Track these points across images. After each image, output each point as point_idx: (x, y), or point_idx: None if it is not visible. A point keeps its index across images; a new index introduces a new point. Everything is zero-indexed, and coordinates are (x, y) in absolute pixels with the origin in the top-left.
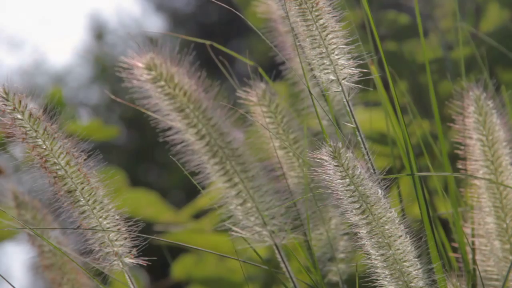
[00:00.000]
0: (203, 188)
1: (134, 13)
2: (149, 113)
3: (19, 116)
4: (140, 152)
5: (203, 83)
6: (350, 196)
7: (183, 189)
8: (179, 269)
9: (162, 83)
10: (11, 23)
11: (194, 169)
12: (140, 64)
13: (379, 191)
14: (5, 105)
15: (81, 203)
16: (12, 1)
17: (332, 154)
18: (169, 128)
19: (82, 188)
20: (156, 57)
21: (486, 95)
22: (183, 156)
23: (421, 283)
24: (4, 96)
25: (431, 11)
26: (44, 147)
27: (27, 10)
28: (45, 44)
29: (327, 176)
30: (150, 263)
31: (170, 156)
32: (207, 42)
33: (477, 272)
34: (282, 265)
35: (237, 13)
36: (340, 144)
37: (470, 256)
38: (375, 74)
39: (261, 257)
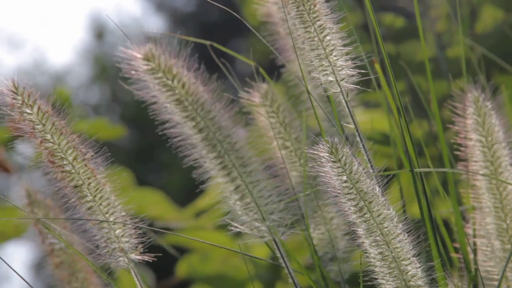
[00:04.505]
0: (204, 185)
1: (134, 13)
2: (148, 106)
3: (28, 111)
4: (140, 152)
5: (202, 76)
6: (348, 193)
7: (183, 189)
8: (184, 267)
9: (160, 74)
10: (11, 23)
11: (193, 164)
12: (138, 55)
13: (377, 188)
14: (14, 99)
15: (87, 199)
16: (12, 1)
17: (329, 150)
18: (168, 121)
19: (89, 184)
20: (154, 48)
21: (484, 96)
22: (182, 150)
23: (420, 282)
24: (14, 90)
25: (426, 13)
26: (52, 142)
27: (27, 10)
28: (45, 44)
29: (325, 173)
30: (155, 261)
31: (172, 154)
32: (207, 42)
33: (478, 272)
34: (281, 260)
35: (236, 15)
36: (337, 140)
37: (471, 256)
38: (379, 73)
39: (271, 249)
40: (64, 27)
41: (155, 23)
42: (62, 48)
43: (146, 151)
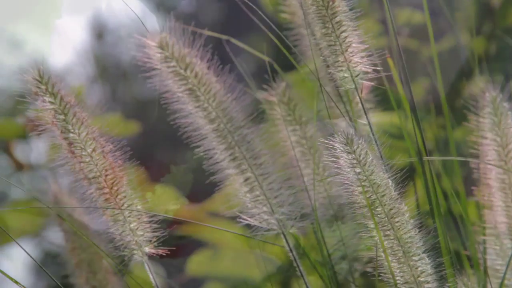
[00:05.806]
0: (212, 177)
1: (134, 13)
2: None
3: (51, 99)
4: (140, 152)
5: (214, 67)
6: (360, 185)
7: (183, 189)
8: (195, 264)
9: (174, 63)
10: (11, 23)
11: (203, 155)
12: (152, 43)
13: (390, 181)
14: (38, 87)
15: (104, 191)
16: (12, 1)
17: (344, 140)
18: (179, 111)
19: (106, 176)
20: (168, 37)
21: (502, 96)
22: (189, 144)
23: (429, 278)
24: (38, 78)
25: (451, 13)
26: (73, 132)
27: (27, 10)
28: (45, 44)
29: (339, 165)
30: (164, 258)
31: (172, 154)
32: (224, 37)
33: (486, 271)
34: (290, 254)
35: (255, 8)
36: (352, 131)
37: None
38: (392, 68)
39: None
40: (64, 27)
41: (155, 23)
42: (62, 48)
43: (146, 151)
